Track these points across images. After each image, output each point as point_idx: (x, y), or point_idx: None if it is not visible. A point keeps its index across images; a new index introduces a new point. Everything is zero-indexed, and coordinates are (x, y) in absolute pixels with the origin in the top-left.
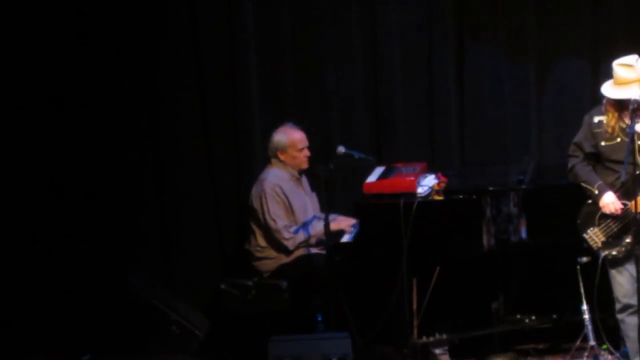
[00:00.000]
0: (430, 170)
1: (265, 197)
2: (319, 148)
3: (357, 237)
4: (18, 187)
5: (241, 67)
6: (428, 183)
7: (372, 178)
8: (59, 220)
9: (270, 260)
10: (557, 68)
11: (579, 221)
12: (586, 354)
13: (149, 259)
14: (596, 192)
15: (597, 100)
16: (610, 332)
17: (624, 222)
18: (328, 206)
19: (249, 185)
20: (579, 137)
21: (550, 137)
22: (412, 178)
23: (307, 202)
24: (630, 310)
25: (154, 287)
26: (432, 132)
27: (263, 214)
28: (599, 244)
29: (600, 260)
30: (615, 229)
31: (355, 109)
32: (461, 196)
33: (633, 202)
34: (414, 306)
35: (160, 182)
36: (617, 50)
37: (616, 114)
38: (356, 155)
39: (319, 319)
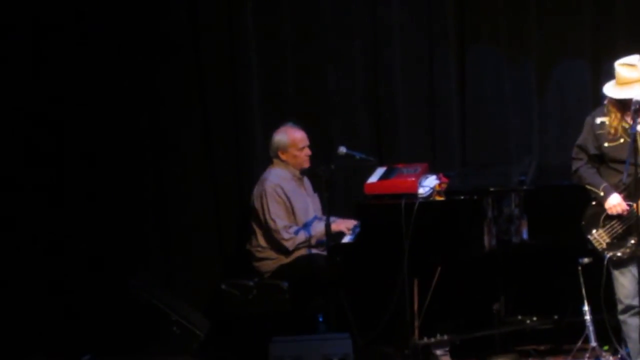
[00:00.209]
0: (432, 170)
1: (266, 197)
2: (320, 149)
3: (358, 238)
4: (18, 187)
5: (241, 67)
6: (429, 184)
7: (373, 179)
8: (59, 220)
9: (270, 261)
10: (557, 68)
11: (583, 223)
12: (587, 355)
13: (150, 259)
14: (602, 193)
15: (598, 100)
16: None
17: (629, 224)
18: (329, 207)
19: (250, 185)
20: (581, 140)
21: (551, 137)
22: (413, 179)
23: (308, 203)
24: (633, 312)
25: (155, 287)
26: (433, 132)
27: (263, 214)
28: (604, 246)
29: (605, 262)
30: (620, 230)
31: (356, 110)
32: (462, 197)
33: (635, 203)
34: (415, 307)
35: (161, 182)
36: (618, 51)
37: (619, 115)
38: (357, 155)
39: (320, 319)
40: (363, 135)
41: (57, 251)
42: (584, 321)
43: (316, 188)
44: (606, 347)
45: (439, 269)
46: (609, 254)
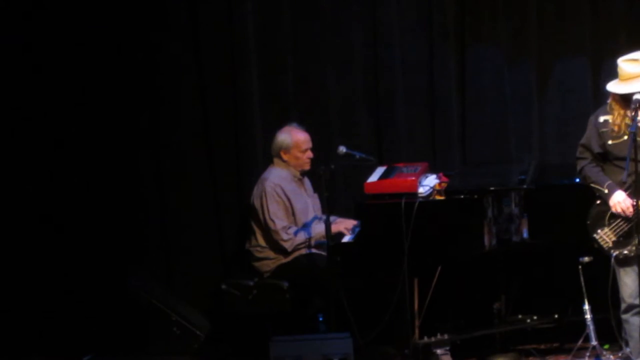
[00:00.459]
0: (432, 170)
1: (266, 197)
2: (320, 148)
3: (358, 237)
4: (17, 186)
5: (241, 67)
6: (429, 183)
7: (373, 178)
8: (58, 220)
9: (270, 261)
10: (558, 67)
11: (588, 222)
12: (588, 353)
13: (150, 259)
14: (606, 191)
15: (598, 99)
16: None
17: (635, 221)
18: (329, 206)
19: (250, 185)
20: (585, 139)
21: (552, 136)
22: (414, 178)
23: (308, 204)
24: (634, 311)
25: (155, 287)
26: (433, 131)
27: (263, 213)
28: (610, 244)
29: (612, 260)
30: (625, 228)
31: (355, 109)
32: (462, 196)
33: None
34: (415, 306)
35: (161, 182)
36: (618, 49)
37: (622, 112)
38: (357, 155)
39: (320, 319)
40: (363, 134)
41: (57, 251)
42: (584, 320)
43: (316, 188)
44: (607, 346)
45: (439, 268)
46: (615, 253)
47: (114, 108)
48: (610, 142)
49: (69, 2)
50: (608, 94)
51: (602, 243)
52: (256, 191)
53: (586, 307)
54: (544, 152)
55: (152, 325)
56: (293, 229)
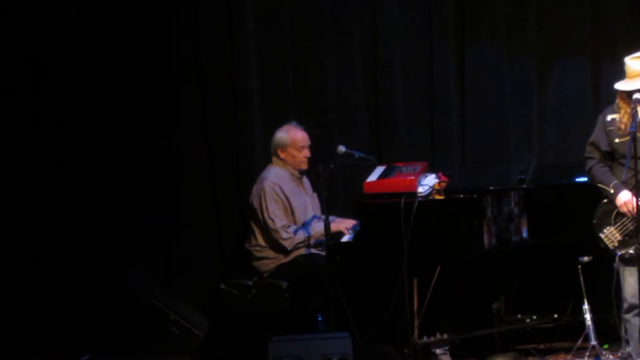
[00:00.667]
0: (431, 169)
1: (265, 196)
2: (319, 148)
3: (357, 237)
4: (18, 186)
5: (241, 67)
6: (429, 182)
7: (372, 177)
8: (59, 220)
9: (269, 260)
10: (557, 67)
11: (594, 221)
12: (587, 353)
13: (150, 259)
14: (612, 191)
15: (598, 98)
16: (612, 332)
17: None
18: (328, 206)
19: (249, 185)
20: (594, 137)
21: (551, 136)
22: (413, 177)
23: (307, 203)
24: (636, 311)
25: (154, 287)
26: (433, 131)
27: (262, 213)
28: (616, 243)
29: (617, 259)
30: (631, 227)
31: (355, 109)
32: (462, 195)
33: None
34: (415, 306)
35: (161, 182)
36: (618, 49)
37: (629, 110)
38: (357, 154)
39: (319, 318)
40: (362, 134)
41: (57, 251)
42: (584, 320)
43: (315, 187)
44: (606, 346)
45: (439, 268)
46: (620, 252)
47: (114, 108)
48: (617, 140)
49: (69, 2)
50: (616, 92)
51: (607, 242)
52: (255, 190)
53: (585, 306)
54: (543, 151)
55: (152, 325)
56: (292, 228)
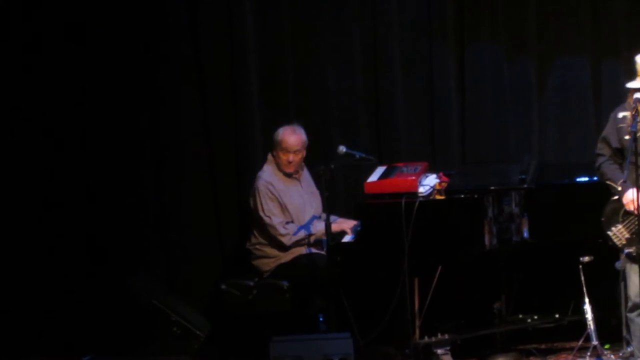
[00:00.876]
0: (432, 169)
1: (259, 195)
2: (320, 148)
3: (358, 237)
4: (18, 186)
5: (241, 67)
6: (429, 182)
7: (373, 178)
8: (59, 220)
9: (269, 259)
10: (557, 66)
11: (603, 219)
12: (589, 353)
13: (150, 259)
14: (619, 188)
15: (598, 98)
16: (613, 332)
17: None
18: (329, 206)
19: (249, 184)
20: (605, 133)
21: (551, 135)
22: (414, 177)
23: (304, 200)
24: (639, 311)
25: (155, 287)
26: (433, 131)
27: (258, 211)
28: (624, 241)
29: (622, 257)
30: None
31: (355, 108)
32: (463, 196)
33: None
34: (416, 306)
35: (161, 182)
36: (618, 48)
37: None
38: (357, 154)
39: (321, 319)
40: (363, 134)
41: (57, 251)
42: (585, 320)
43: (317, 186)
44: (607, 346)
45: (440, 268)
46: (628, 250)
47: (114, 108)
48: (626, 137)
49: (69, 2)
50: (626, 91)
51: (615, 240)
52: (252, 190)
53: (587, 306)
54: (543, 151)
55: (153, 326)
56: (292, 225)
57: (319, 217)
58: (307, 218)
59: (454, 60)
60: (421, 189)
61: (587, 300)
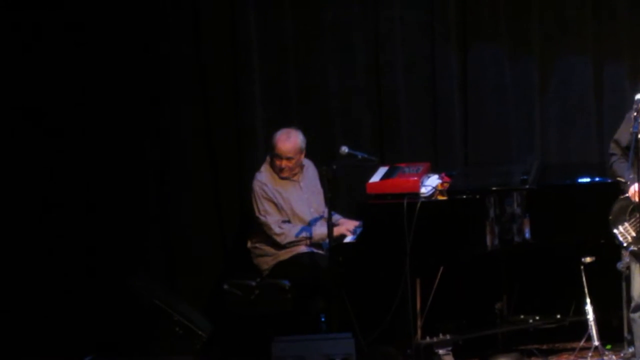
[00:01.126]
0: (434, 170)
1: (255, 195)
2: (322, 148)
3: (360, 237)
4: (18, 187)
5: (243, 68)
6: (431, 183)
7: (375, 178)
8: (59, 220)
9: (268, 257)
10: (560, 67)
11: (610, 217)
12: (590, 354)
13: (151, 259)
14: (627, 182)
15: (600, 98)
16: (615, 332)
17: None
18: (331, 206)
19: (250, 185)
20: (617, 134)
21: (554, 136)
22: (416, 178)
23: (303, 200)
24: None
25: (157, 287)
26: (435, 132)
27: (254, 211)
28: (630, 239)
29: (627, 255)
30: None
31: (358, 109)
32: (464, 196)
33: None
34: (418, 306)
35: (161, 182)
36: (621, 49)
37: None
38: (359, 155)
39: (322, 319)
40: (365, 134)
41: (57, 251)
42: (586, 320)
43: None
44: (609, 346)
45: (441, 268)
46: (634, 247)
47: (114, 108)
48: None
49: (69, 1)
50: None
51: (622, 239)
52: (250, 191)
53: (588, 307)
54: (545, 152)
55: (155, 326)
56: (288, 225)
57: (321, 218)
58: (305, 218)
59: (456, 61)
60: (423, 190)
61: (588, 300)
